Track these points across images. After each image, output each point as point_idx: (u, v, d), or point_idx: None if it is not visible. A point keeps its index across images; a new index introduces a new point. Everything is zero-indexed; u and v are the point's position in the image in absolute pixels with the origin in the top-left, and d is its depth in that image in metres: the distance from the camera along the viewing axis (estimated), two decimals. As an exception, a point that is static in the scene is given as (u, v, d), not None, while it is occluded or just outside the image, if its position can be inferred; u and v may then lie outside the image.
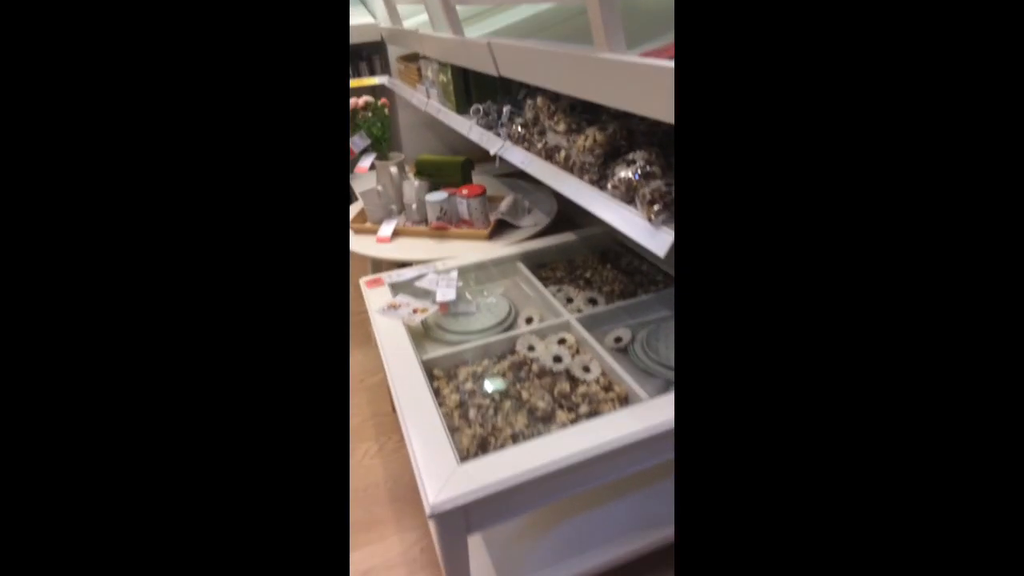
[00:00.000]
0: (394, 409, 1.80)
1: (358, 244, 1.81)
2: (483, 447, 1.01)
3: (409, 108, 2.70)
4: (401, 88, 2.58)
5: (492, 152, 1.53)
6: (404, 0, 2.24)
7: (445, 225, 1.79)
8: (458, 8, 1.57)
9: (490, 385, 1.16)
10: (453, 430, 1.05)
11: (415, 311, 1.35)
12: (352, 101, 1.91)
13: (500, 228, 1.81)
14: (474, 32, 1.69)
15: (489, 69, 1.47)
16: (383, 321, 1.32)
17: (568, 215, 2.34)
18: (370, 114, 1.93)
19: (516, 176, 2.41)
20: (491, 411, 1.09)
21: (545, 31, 1.49)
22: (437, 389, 1.17)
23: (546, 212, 1.95)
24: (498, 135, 1.57)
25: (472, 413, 1.09)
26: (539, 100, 1.37)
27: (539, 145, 1.36)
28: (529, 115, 1.43)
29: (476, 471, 0.88)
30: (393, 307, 1.37)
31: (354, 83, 2.77)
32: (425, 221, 1.85)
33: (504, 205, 1.83)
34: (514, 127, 1.50)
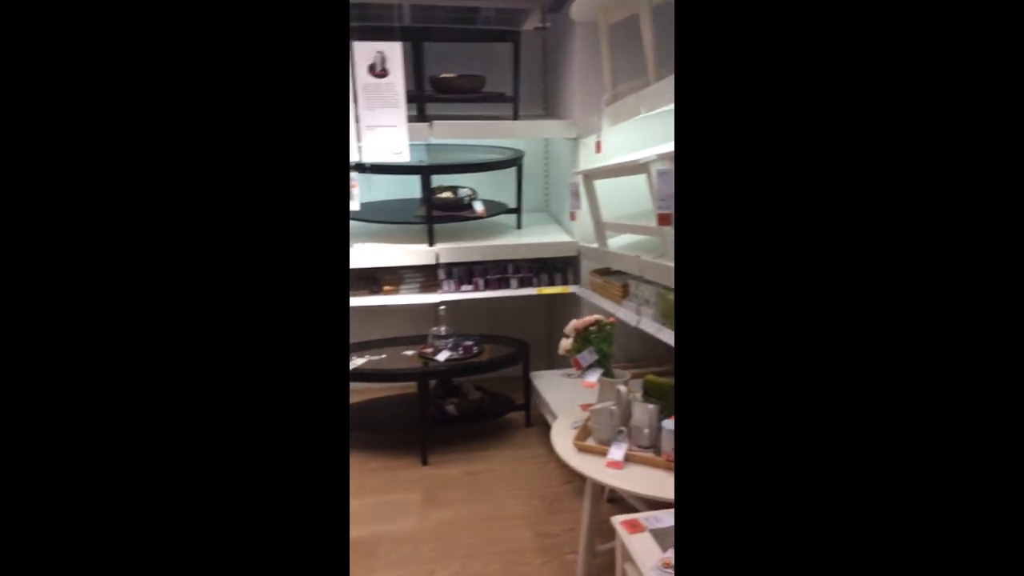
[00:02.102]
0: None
1: (583, 464, 1.71)
2: None
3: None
4: (594, 298, 2.71)
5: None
6: (624, 231, 2.44)
7: (682, 457, 1.66)
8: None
9: None
10: None
11: None
12: (584, 319, 1.99)
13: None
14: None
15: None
16: (664, 586, 1.15)
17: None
18: (595, 330, 1.98)
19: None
20: None
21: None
22: None
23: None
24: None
25: None
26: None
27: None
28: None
29: None
30: (668, 567, 1.20)
31: (547, 290, 2.96)
32: (654, 449, 1.74)
33: (744, 440, 1.68)
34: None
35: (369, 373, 2.68)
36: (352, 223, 2.93)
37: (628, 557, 1.29)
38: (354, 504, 2.29)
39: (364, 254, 2.78)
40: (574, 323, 1.98)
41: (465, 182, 3.05)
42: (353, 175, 2.61)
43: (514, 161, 2.95)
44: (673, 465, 1.64)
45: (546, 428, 2.71)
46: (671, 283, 1.96)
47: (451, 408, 2.80)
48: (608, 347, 1.97)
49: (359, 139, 2.48)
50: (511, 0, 3.12)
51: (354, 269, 2.85)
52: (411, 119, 2.56)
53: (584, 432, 1.87)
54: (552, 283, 2.98)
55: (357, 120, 2.46)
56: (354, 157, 2.48)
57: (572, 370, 2.80)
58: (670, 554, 1.25)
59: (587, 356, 1.93)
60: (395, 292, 2.90)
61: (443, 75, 2.85)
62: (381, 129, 2.48)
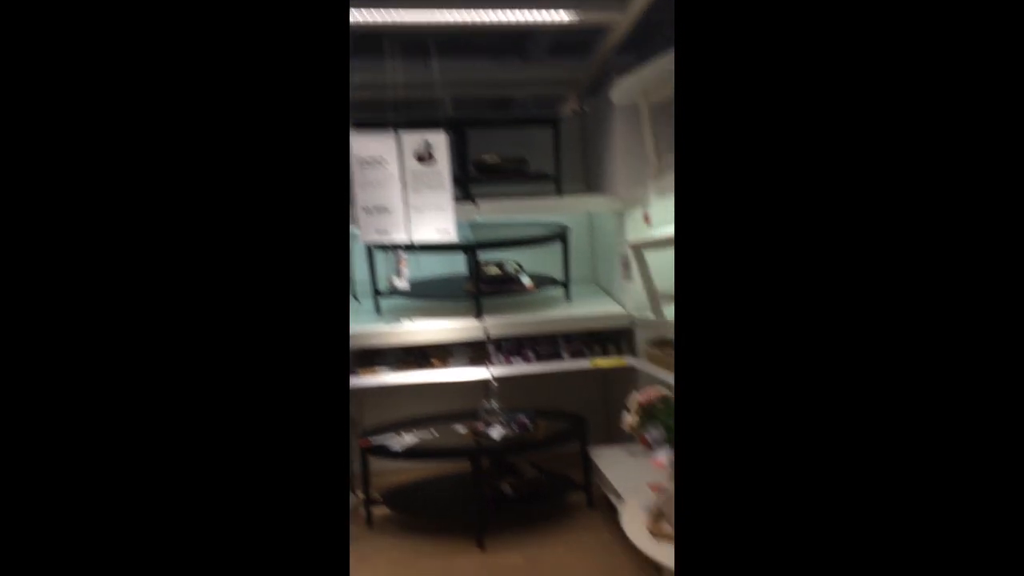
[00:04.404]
0: None
1: (663, 554, 1.59)
2: None
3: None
4: (652, 370, 2.62)
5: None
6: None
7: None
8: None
9: None
10: None
11: None
12: (647, 393, 1.92)
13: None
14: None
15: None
16: None
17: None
18: (661, 405, 1.91)
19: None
20: None
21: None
22: None
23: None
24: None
25: None
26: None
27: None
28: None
29: None
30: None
31: (601, 362, 2.90)
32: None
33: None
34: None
35: (421, 451, 2.63)
36: (401, 300, 2.98)
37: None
38: (411, 596, 2.16)
39: (413, 330, 2.80)
40: (637, 397, 1.92)
41: (512, 257, 3.10)
42: (402, 255, 2.68)
43: (559, 235, 3.00)
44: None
45: (611, 509, 2.56)
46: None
47: (506, 488, 2.69)
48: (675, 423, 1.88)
49: (408, 221, 2.57)
50: (547, 87, 3.28)
51: (403, 346, 2.87)
52: (457, 200, 2.65)
53: (657, 515, 1.76)
54: (605, 354, 2.92)
55: (406, 204, 2.56)
56: (403, 237, 2.56)
57: (636, 446, 2.68)
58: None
59: (654, 433, 1.85)
60: (444, 366, 2.89)
61: (485, 158, 2.97)
62: (428, 211, 2.57)
